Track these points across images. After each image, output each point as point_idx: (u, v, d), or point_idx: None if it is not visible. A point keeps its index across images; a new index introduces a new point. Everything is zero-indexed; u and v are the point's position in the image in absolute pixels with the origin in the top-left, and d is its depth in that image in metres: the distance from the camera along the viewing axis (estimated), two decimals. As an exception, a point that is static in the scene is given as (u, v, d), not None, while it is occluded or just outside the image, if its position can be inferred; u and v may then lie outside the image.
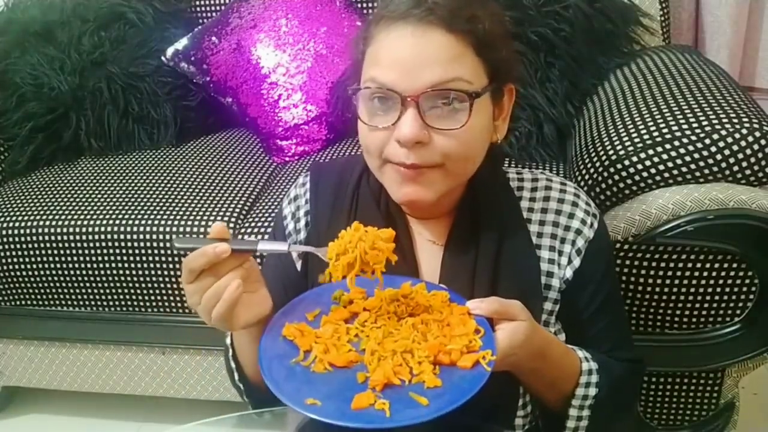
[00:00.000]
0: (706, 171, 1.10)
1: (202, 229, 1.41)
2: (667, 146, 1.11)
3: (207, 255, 0.70)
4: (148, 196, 1.52)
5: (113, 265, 1.45)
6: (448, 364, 0.69)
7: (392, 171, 0.78)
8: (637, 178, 1.13)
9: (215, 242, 0.71)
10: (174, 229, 1.42)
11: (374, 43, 0.76)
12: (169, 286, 1.45)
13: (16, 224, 1.49)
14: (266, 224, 1.41)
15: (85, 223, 1.46)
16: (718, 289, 1.14)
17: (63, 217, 1.48)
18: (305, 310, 0.78)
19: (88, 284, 1.49)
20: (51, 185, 1.62)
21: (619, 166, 1.14)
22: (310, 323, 0.76)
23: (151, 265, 1.44)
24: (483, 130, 0.79)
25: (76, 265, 1.47)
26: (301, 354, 0.71)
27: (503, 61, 0.79)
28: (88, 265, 1.47)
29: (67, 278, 1.49)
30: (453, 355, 0.69)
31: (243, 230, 1.42)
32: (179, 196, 1.51)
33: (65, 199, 1.54)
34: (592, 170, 1.19)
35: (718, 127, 1.10)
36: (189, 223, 1.42)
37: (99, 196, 1.54)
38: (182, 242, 0.75)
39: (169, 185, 1.56)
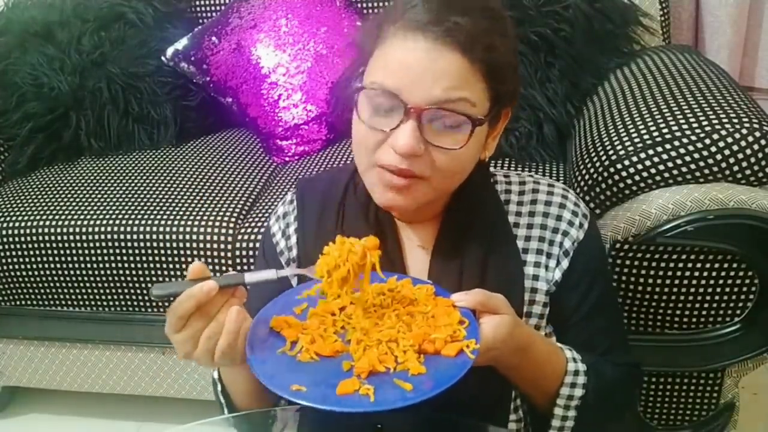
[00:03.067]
0: (706, 171, 1.10)
1: (202, 229, 1.41)
2: (667, 146, 1.11)
3: (194, 296, 0.67)
4: (148, 196, 1.52)
5: (113, 265, 1.45)
6: (432, 353, 0.70)
7: (379, 174, 0.77)
8: (637, 178, 1.13)
9: (197, 282, 0.68)
10: (174, 228, 1.42)
11: (385, 46, 0.75)
12: (169, 286, 1.45)
13: (16, 224, 1.49)
14: (266, 225, 1.41)
15: (85, 223, 1.46)
16: (718, 289, 1.14)
17: (63, 217, 1.48)
18: (292, 305, 0.79)
19: (88, 284, 1.49)
20: (51, 185, 1.62)
21: (619, 166, 1.14)
22: (297, 316, 0.77)
23: (151, 265, 1.44)
24: (476, 151, 0.79)
25: (76, 265, 1.47)
26: (288, 344, 0.72)
27: (509, 91, 0.79)
28: (88, 265, 1.47)
29: (67, 278, 1.49)
30: (437, 344, 0.70)
31: (243, 230, 1.42)
32: (179, 196, 1.51)
33: (65, 199, 1.54)
34: (592, 170, 1.19)
35: (718, 127, 1.10)
36: (189, 223, 1.42)
37: (99, 196, 1.54)
38: (161, 289, 0.71)
39: (169, 185, 1.56)
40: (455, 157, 0.76)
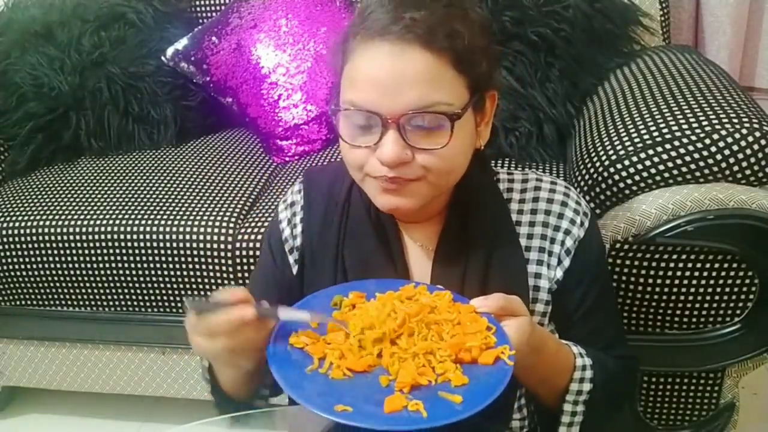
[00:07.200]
0: (706, 171, 1.10)
1: (202, 229, 1.41)
2: (667, 146, 1.11)
3: (232, 323, 0.68)
4: (148, 196, 1.52)
5: (113, 265, 1.45)
6: (469, 361, 0.68)
7: (373, 182, 0.78)
8: (637, 178, 1.13)
9: (228, 306, 0.69)
10: (174, 228, 1.42)
11: (352, 61, 0.75)
12: (169, 286, 1.45)
13: (16, 224, 1.49)
14: (266, 224, 1.41)
15: (85, 223, 1.46)
16: (718, 289, 1.14)
17: (63, 217, 1.48)
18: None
19: (88, 284, 1.49)
20: (51, 185, 1.62)
21: (619, 166, 1.14)
22: (315, 330, 0.74)
23: (151, 265, 1.44)
24: (466, 143, 0.79)
25: (76, 265, 1.47)
26: (316, 361, 0.69)
27: (484, 73, 0.78)
28: (88, 265, 1.47)
29: (67, 278, 1.49)
30: (474, 353, 0.68)
31: (243, 230, 1.42)
32: (179, 196, 1.51)
33: (65, 199, 1.54)
34: (592, 170, 1.19)
35: (718, 127, 1.10)
36: (189, 223, 1.42)
37: (99, 196, 1.54)
38: (195, 305, 0.72)
39: (169, 185, 1.56)
40: (443, 156, 0.75)
